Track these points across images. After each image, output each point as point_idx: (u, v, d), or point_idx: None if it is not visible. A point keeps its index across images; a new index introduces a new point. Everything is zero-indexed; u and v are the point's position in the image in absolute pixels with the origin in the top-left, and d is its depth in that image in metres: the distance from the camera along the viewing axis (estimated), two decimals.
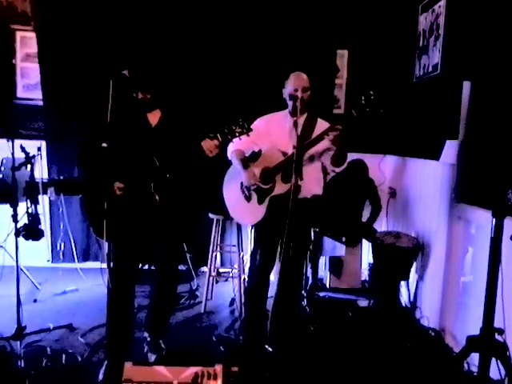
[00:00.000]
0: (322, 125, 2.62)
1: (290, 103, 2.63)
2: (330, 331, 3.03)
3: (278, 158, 2.61)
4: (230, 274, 3.88)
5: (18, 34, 4.01)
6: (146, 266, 3.45)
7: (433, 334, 2.97)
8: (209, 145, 2.33)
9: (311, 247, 3.27)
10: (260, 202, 2.68)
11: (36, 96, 3.97)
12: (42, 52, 3.80)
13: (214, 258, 3.45)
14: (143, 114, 2.44)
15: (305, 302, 3.22)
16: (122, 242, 2.40)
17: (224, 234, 4.03)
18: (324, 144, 2.47)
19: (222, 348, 2.77)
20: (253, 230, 3.26)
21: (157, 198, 2.38)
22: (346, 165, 2.55)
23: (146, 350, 2.59)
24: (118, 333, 2.52)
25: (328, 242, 3.48)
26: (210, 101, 3.74)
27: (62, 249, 3.88)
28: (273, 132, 2.70)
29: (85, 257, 4.10)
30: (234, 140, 2.74)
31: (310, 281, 3.46)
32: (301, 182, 2.48)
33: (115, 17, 3.70)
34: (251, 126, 2.71)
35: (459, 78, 2.84)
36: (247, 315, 2.86)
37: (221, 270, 3.98)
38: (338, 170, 2.57)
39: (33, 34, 3.83)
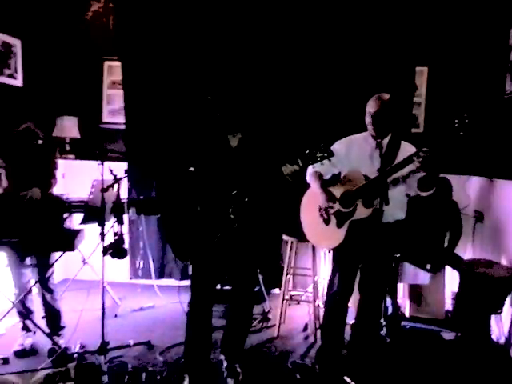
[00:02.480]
0: (405, 147, 2.53)
1: (368, 126, 2.56)
2: (413, 364, 2.84)
3: (359, 181, 2.53)
4: (302, 298, 3.80)
5: (106, 64, 4.31)
6: (219, 286, 3.48)
7: None
8: (289, 170, 2.29)
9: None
10: (339, 225, 2.60)
11: (119, 120, 4.22)
12: (126, 79, 4.03)
13: (287, 281, 3.39)
14: (224, 135, 2.46)
15: (384, 331, 3.06)
16: (200, 263, 2.43)
17: (295, 256, 3.97)
18: (410, 167, 2.35)
19: (298, 376, 2.69)
20: (331, 255, 3.19)
21: (235, 222, 2.35)
22: (434, 189, 2.41)
23: (225, 374, 2.58)
24: (197, 352, 2.53)
25: (408, 268, 3.29)
26: (290, 124, 3.72)
27: (141, 266, 4.03)
28: (353, 154, 2.63)
29: (160, 274, 4.22)
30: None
31: (389, 309, 3.29)
32: (385, 207, 2.38)
33: (194, 43, 3.84)
34: (331, 148, 2.69)
35: None
36: (324, 343, 2.76)
37: (292, 293, 3.91)
38: (424, 194, 2.43)
39: (119, 63, 4.08)
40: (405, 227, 2.65)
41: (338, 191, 2.62)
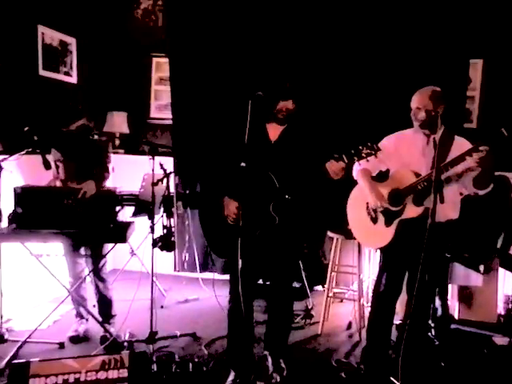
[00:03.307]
0: (460, 142, 2.43)
1: (417, 122, 2.48)
2: (463, 368, 2.75)
3: (409, 178, 2.46)
4: (346, 296, 3.76)
5: (154, 60, 4.42)
6: (261, 281, 3.50)
7: None
8: (334, 167, 2.22)
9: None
10: (387, 224, 2.54)
11: (166, 116, 4.31)
12: (173, 75, 4.11)
13: (332, 278, 3.36)
14: (263, 126, 2.43)
15: (432, 334, 2.97)
16: (236, 259, 2.33)
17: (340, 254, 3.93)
18: (464, 164, 2.27)
19: (343, 375, 2.67)
20: (378, 254, 3.13)
21: (276, 218, 2.33)
22: (491, 187, 2.31)
23: (270, 370, 2.59)
24: (239, 347, 2.55)
25: (459, 269, 3.18)
26: (335, 119, 3.64)
27: (186, 259, 4.11)
28: (403, 151, 2.56)
29: (203, 267, 4.30)
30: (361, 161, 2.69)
31: (438, 311, 3.19)
32: (437, 206, 2.30)
33: (243, 39, 3.84)
34: (378, 145, 2.63)
35: None
36: (370, 343, 2.72)
37: (336, 291, 3.87)
38: (481, 192, 2.33)
39: (166, 60, 4.16)
40: (457, 227, 2.56)
41: (385, 189, 2.56)
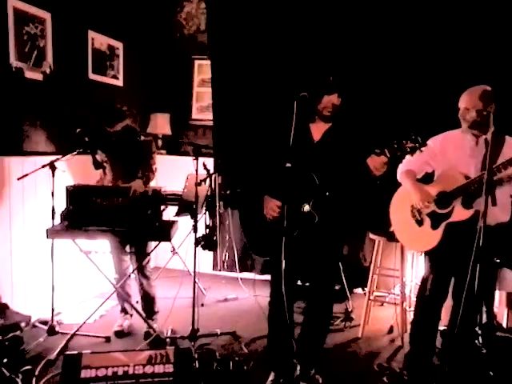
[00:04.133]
0: (511, 142, 2.35)
1: (465, 122, 2.40)
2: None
3: (457, 180, 2.39)
4: (387, 299, 3.69)
5: (196, 63, 4.50)
6: (299, 282, 3.49)
7: None
8: (376, 162, 2.13)
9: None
10: (434, 227, 2.48)
11: (207, 117, 4.38)
12: (215, 77, 4.17)
13: (373, 281, 3.31)
14: (307, 126, 2.39)
15: (480, 341, 2.87)
16: (278, 259, 2.29)
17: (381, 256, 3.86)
18: None
19: (385, 379, 2.62)
20: (421, 257, 3.05)
21: (316, 217, 2.29)
22: None
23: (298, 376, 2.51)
24: (279, 349, 2.53)
25: (508, 275, 3.05)
26: (378, 115, 3.53)
27: (226, 259, 4.17)
28: (450, 152, 2.49)
29: (242, 267, 4.33)
30: (405, 159, 2.62)
31: (483, 318, 3.08)
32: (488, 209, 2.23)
33: (283, 41, 3.85)
34: (426, 146, 2.56)
35: None
36: (413, 349, 2.66)
37: (376, 294, 3.81)
38: None
39: (208, 62, 4.23)
40: (508, 230, 2.47)
41: (432, 191, 2.50)
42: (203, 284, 4.00)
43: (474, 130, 2.39)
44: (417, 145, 2.10)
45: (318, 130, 2.40)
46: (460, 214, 2.37)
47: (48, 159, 2.89)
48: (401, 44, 3.57)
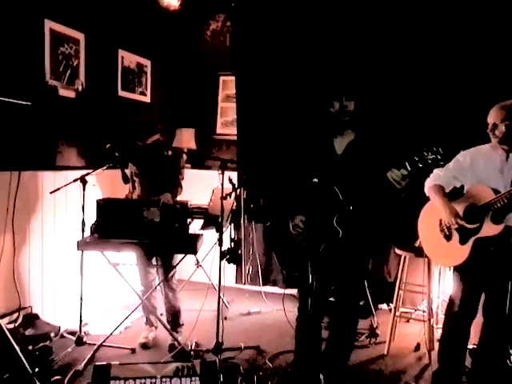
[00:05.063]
0: None
1: (495, 138, 2.38)
2: None
3: (487, 195, 2.36)
4: (413, 316, 3.63)
5: (221, 78, 4.60)
6: None
7: None
8: (395, 176, 2.10)
9: None
10: (463, 242, 2.45)
11: (231, 132, 4.45)
12: (239, 93, 4.24)
13: (399, 297, 3.27)
14: (330, 141, 2.39)
15: (511, 361, 2.78)
16: (305, 274, 2.24)
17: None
18: None
19: None
20: (448, 273, 3.00)
21: (340, 232, 2.26)
22: None
23: None
24: (306, 365, 2.51)
25: None
26: (400, 125, 3.50)
27: (250, 272, 4.18)
28: (479, 167, 2.46)
29: (265, 281, 4.33)
30: (432, 174, 2.61)
31: None
32: None
33: (305, 57, 3.90)
34: (455, 160, 2.55)
35: None
36: (442, 367, 2.60)
37: (402, 310, 3.74)
38: None
39: (232, 78, 4.32)
40: None
41: (460, 206, 2.47)
42: (226, 297, 4.00)
43: (504, 145, 2.36)
44: (438, 156, 2.05)
45: (341, 143, 2.40)
46: (489, 229, 2.33)
47: (79, 173, 2.99)
48: (427, 55, 3.55)
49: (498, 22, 3.38)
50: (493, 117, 2.38)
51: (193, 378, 2.16)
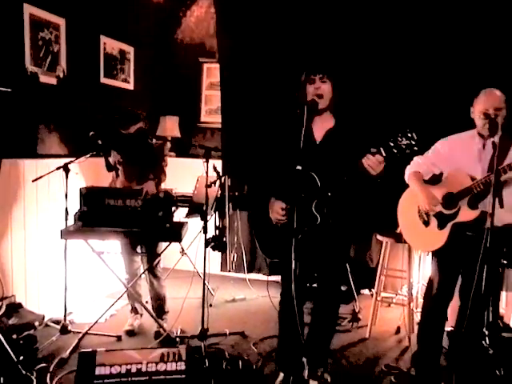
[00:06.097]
0: None
1: (478, 124, 2.43)
2: None
3: (464, 181, 2.42)
4: (394, 300, 3.72)
5: (205, 66, 4.57)
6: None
7: None
8: (371, 162, 2.10)
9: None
10: (440, 227, 2.52)
11: (216, 120, 4.44)
12: (224, 80, 4.23)
13: (380, 282, 3.34)
14: (309, 127, 2.35)
15: (487, 342, 2.89)
16: (286, 260, 2.23)
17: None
18: None
19: (393, 379, 2.65)
20: (428, 259, 3.07)
21: (318, 218, 2.28)
22: None
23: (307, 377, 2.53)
24: (289, 350, 2.54)
25: None
26: (377, 111, 3.49)
27: (235, 260, 4.21)
28: (457, 154, 2.52)
29: (250, 268, 4.37)
30: (412, 161, 2.67)
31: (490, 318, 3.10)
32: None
33: (289, 45, 3.89)
34: (434, 148, 2.61)
35: None
36: (421, 348, 2.68)
37: (383, 295, 3.83)
38: None
39: (216, 65, 4.29)
40: None
41: (439, 192, 2.54)
42: (211, 284, 4.04)
43: (486, 132, 2.39)
44: (412, 142, 2.06)
45: (319, 130, 2.40)
46: (466, 214, 2.41)
47: (61, 162, 2.96)
48: (401, 40, 3.57)
49: (472, 8, 3.40)
50: (481, 103, 2.39)
51: (178, 363, 2.20)
